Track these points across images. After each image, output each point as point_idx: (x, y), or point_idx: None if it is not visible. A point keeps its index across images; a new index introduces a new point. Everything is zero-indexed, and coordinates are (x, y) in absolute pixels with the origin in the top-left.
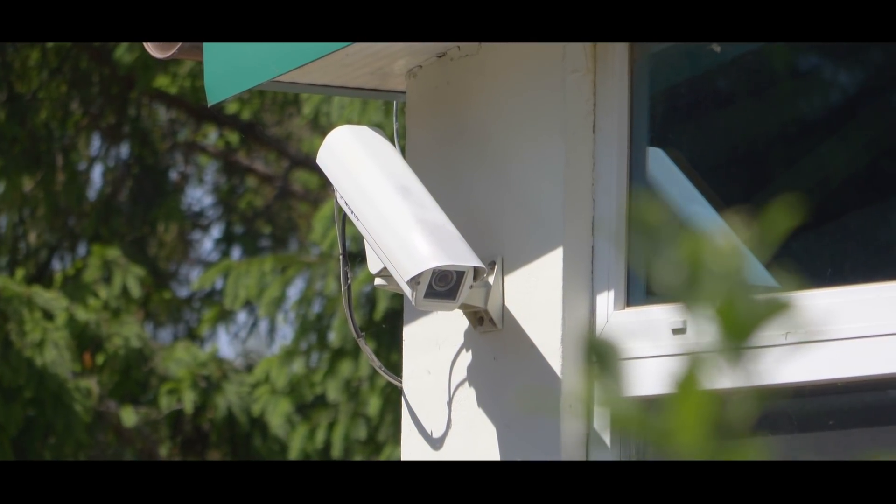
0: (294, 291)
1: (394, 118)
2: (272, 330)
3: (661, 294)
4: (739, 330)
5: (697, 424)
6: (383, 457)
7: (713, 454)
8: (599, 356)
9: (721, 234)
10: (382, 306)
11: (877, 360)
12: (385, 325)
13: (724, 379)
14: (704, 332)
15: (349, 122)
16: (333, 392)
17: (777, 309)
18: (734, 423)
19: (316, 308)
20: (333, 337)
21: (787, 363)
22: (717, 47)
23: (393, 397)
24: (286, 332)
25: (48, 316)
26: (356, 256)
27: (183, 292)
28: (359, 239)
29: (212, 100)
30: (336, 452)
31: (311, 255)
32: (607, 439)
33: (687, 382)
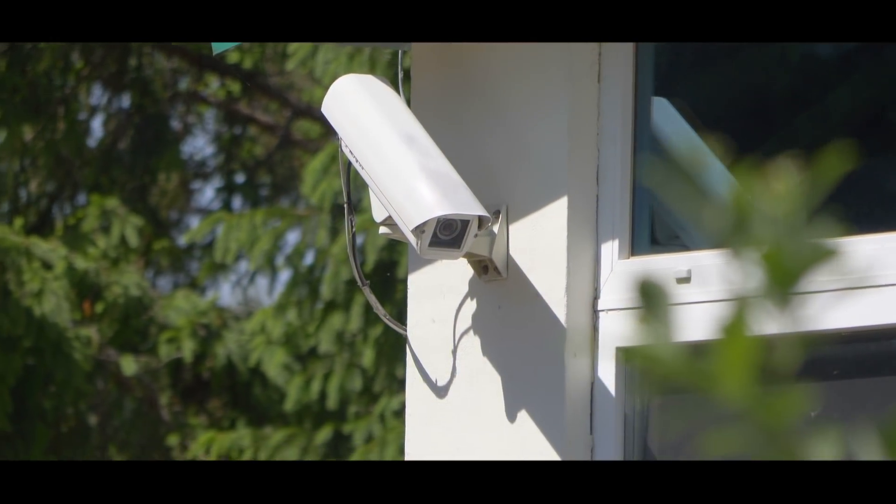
0: (287, 244)
1: (398, 67)
2: (272, 280)
3: (673, 243)
4: (787, 275)
5: (743, 370)
6: (378, 407)
7: (757, 400)
8: (646, 297)
9: (775, 177)
10: (372, 258)
11: None
12: (389, 274)
13: (770, 324)
14: (751, 277)
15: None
16: (326, 344)
17: (824, 255)
18: (779, 368)
19: (308, 260)
20: (325, 289)
21: (833, 309)
22: None
23: (386, 348)
24: (283, 283)
25: (47, 266)
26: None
27: (184, 241)
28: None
29: (216, 48)
30: (332, 403)
31: (304, 207)
32: (612, 386)
33: (733, 327)
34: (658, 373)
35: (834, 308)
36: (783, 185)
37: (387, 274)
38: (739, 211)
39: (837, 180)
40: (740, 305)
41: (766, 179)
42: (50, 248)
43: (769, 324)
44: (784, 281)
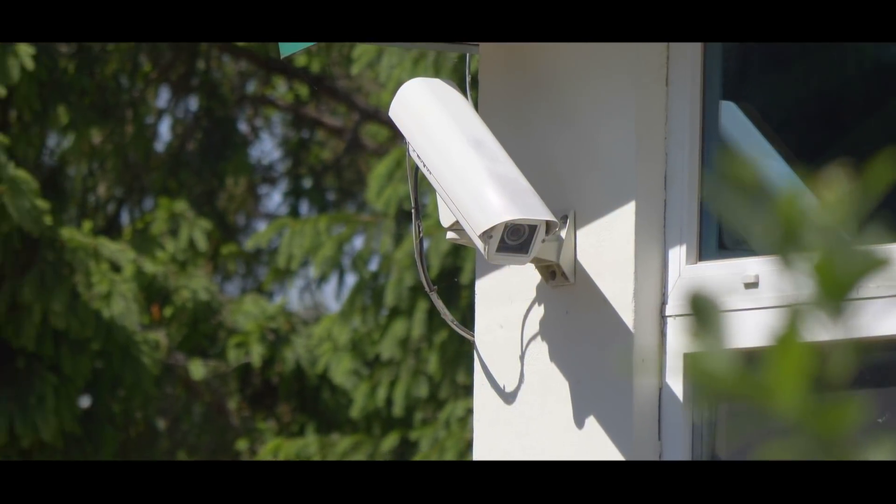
0: (350, 249)
1: (466, 71)
2: (340, 285)
3: (740, 248)
4: (838, 285)
5: (797, 379)
6: (444, 414)
7: (812, 411)
8: (699, 312)
9: (821, 188)
10: (437, 264)
11: None
12: (456, 279)
13: (822, 333)
14: (803, 286)
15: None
16: (389, 350)
17: (875, 264)
18: (833, 377)
19: (372, 266)
20: (388, 295)
21: (885, 316)
22: None
23: (451, 355)
24: (349, 288)
25: (115, 268)
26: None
27: (249, 246)
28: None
29: (284, 52)
30: (398, 410)
31: (368, 213)
32: (679, 392)
33: (787, 337)
34: (713, 386)
35: (886, 315)
36: (834, 193)
37: (454, 279)
38: (791, 221)
39: (888, 188)
40: (793, 316)
41: (817, 188)
42: (118, 249)
43: (822, 333)
44: (836, 291)
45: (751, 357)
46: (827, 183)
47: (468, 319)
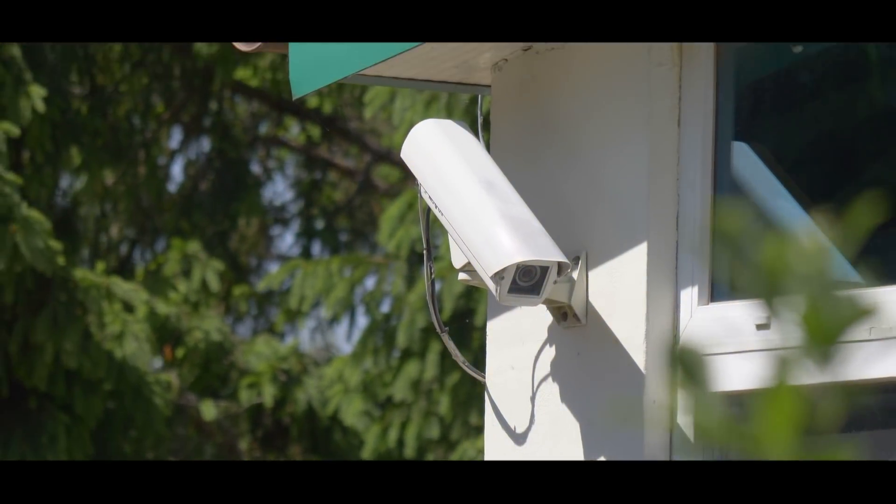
0: (362, 291)
1: (478, 112)
2: (351, 326)
3: (745, 294)
4: (825, 333)
5: (786, 428)
6: (456, 455)
7: (802, 454)
8: (685, 365)
9: (805, 234)
10: (449, 306)
11: None
12: (468, 321)
13: (811, 379)
14: (790, 334)
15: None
16: (402, 392)
17: (861, 311)
18: (822, 421)
19: (384, 308)
20: (400, 337)
21: (873, 360)
22: (797, 48)
23: (462, 396)
24: (361, 330)
25: (128, 308)
26: (428, 253)
27: (261, 288)
28: (434, 234)
29: (296, 93)
30: (409, 451)
31: (380, 254)
32: (691, 433)
33: (775, 387)
34: (706, 438)
35: (874, 360)
36: (816, 242)
37: (466, 321)
38: (777, 269)
39: (870, 232)
40: (782, 363)
41: (799, 237)
42: (131, 289)
43: (812, 379)
44: (824, 339)
45: (728, 412)
46: (808, 232)
47: (480, 361)
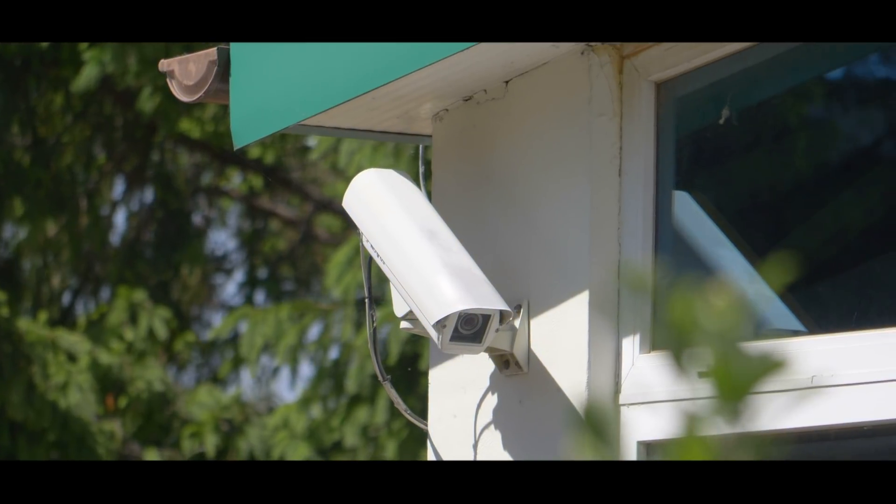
0: (311, 338)
1: (420, 161)
2: (294, 374)
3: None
4: (735, 389)
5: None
6: None
7: None
8: (591, 420)
9: (716, 291)
10: (396, 351)
11: (881, 406)
12: (410, 368)
13: (724, 431)
14: (701, 390)
15: (359, 168)
16: (351, 438)
17: (772, 366)
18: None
19: (333, 354)
20: (349, 383)
21: (786, 412)
22: (726, 112)
23: (409, 443)
24: (307, 377)
25: (72, 359)
26: (375, 301)
27: (206, 336)
28: (379, 283)
29: (238, 143)
30: None
31: (328, 301)
32: None
33: (688, 440)
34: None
35: (786, 412)
36: (724, 300)
37: (408, 369)
38: (683, 327)
39: (781, 289)
40: (691, 421)
41: (707, 296)
42: (76, 341)
43: (723, 430)
44: (734, 394)
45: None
46: (716, 291)
47: (427, 407)
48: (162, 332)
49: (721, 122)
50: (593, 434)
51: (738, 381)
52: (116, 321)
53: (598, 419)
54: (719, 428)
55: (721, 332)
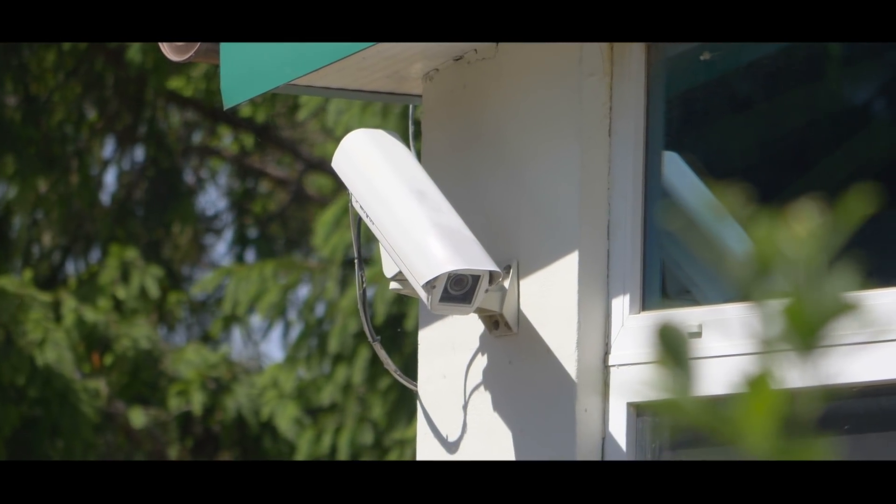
0: (296, 297)
1: (409, 121)
2: (285, 334)
3: (684, 298)
4: (808, 327)
5: (767, 421)
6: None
7: (780, 452)
8: (666, 343)
9: (795, 221)
10: (382, 312)
11: None
12: (399, 329)
13: (792, 376)
14: (772, 328)
15: (347, 128)
16: (333, 397)
17: (845, 308)
18: (801, 421)
19: (318, 313)
20: (332, 342)
21: (854, 361)
22: (706, 55)
23: (395, 402)
24: (294, 337)
25: (57, 318)
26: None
27: (194, 293)
28: (367, 243)
29: (228, 102)
30: (342, 457)
31: (316, 260)
32: (623, 442)
33: (758, 378)
34: (682, 421)
35: (853, 361)
36: (805, 228)
37: (398, 329)
38: (761, 261)
39: (860, 224)
40: (764, 356)
41: (787, 224)
42: (55, 301)
43: (791, 374)
44: (806, 333)
45: (703, 400)
46: (797, 218)
47: (411, 366)
48: (154, 290)
49: (701, 58)
50: (669, 358)
51: (812, 318)
52: (109, 279)
53: (674, 343)
54: (791, 366)
55: (800, 262)
